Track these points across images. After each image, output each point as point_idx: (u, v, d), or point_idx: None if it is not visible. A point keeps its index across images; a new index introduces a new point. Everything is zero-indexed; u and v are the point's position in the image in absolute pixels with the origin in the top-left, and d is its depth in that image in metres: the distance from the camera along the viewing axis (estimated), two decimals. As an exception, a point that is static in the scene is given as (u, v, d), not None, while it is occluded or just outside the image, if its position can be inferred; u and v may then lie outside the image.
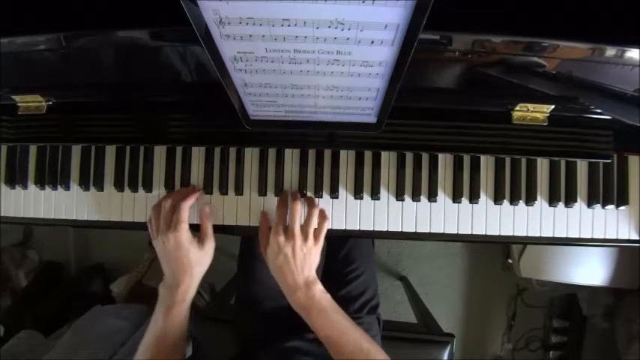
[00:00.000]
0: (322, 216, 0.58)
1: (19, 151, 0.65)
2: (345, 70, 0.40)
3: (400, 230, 0.62)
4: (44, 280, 1.40)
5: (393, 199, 0.62)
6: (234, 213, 0.62)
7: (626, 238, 0.61)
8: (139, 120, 0.61)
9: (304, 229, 0.56)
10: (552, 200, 0.61)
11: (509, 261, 1.23)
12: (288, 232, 0.55)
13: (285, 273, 0.55)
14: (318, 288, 0.56)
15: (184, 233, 0.54)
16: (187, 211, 0.56)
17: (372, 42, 0.35)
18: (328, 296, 0.57)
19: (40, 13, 0.48)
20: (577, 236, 0.61)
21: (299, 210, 0.57)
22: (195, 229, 0.59)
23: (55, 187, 0.64)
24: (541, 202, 0.61)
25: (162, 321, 0.54)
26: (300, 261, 0.55)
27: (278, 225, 0.56)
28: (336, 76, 0.41)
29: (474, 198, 0.61)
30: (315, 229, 0.57)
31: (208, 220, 0.59)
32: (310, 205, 0.59)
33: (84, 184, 0.63)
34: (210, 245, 0.58)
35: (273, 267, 0.57)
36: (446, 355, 0.84)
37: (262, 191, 0.62)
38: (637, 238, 0.61)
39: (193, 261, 0.55)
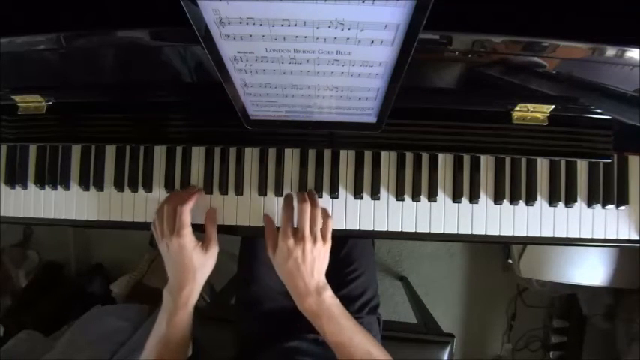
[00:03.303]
0: (325, 214, 0.57)
1: (19, 151, 0.65)
2: (345, 70, 0.40)
3: (400, 230, 0.62)
4: (44, 280, 1.40)
5: (393, 199, 0.62)
6: (234, 213, 0.62)
7: (626, 238, 0.61)
8: (139, 120, 0.61)
9: (312, 230, 0.55)
10: (552, 200, 0.61)
11: (509, 261, 1.22)
12: (297, 234, 0.54)
13: (295, 278, 0.54)
14: (328, 294, 0.55)
15: (187, 237, 0.55)
16: (189, 215, 0.55)
17: (372, 42, 0.35)
18: (337, 301, 0.56)
19: (39, 13, 0.48)
20: (577, 236, 0.61)
21: (308, 211, 0.55)
22: (198, 229, 0.59)
23: (55, 187, 0.64)
24: (541, 202, 0.61)
25: (166, 326, 0.55)
26: (311, 264, 0.54)
27: (286, 227, 0.55)
28: (336, 76, 0.41)
29: (474, 198, 0.61)
30: (321, 229, 0.56)
31: (212, 224, 0.60)
32: (313, 205, 0.57)
33: (84, 184, 0.63)
34: (213, 249, 0.58)
35: (283, 272, 0.55)
36: (446, 355, 0.84)
37: (262, 191, 0.62)
38: (637, 238, 0.61)
39: (196, 264, 0.56)
